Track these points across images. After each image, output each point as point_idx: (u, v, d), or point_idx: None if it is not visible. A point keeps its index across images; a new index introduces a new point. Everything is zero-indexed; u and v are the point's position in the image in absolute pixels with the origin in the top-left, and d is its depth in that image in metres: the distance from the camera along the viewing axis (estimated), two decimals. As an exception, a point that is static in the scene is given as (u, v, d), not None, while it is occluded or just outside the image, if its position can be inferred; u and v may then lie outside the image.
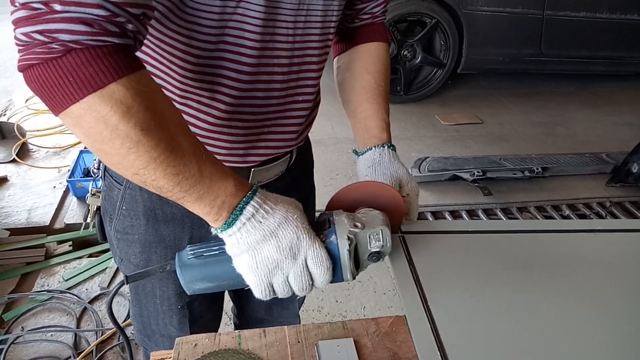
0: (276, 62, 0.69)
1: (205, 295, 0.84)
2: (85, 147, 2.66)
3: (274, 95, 0.72)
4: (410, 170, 0.86)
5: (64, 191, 2.32)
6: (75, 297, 1.78)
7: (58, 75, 0.46)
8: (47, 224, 2.11)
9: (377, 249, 0.58)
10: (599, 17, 3.35)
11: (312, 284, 0.56)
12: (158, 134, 0.49)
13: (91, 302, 1.78)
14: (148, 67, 0.67)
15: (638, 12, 3.39)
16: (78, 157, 2.40)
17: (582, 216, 2.40)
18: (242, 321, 1.17)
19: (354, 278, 0.58)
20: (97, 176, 1.79)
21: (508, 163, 2.64)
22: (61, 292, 1.80)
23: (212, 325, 0.97)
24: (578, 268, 0.68)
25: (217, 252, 0.55)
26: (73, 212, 2.20)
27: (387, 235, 0.58)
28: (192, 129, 0.65)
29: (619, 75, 3.91)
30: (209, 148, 0.60)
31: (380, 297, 1.86)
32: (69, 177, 2.28)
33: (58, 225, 2.13)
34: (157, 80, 0.67)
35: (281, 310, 1.06)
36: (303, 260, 0.53)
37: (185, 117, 0.69)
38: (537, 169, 2.62)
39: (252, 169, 0.77)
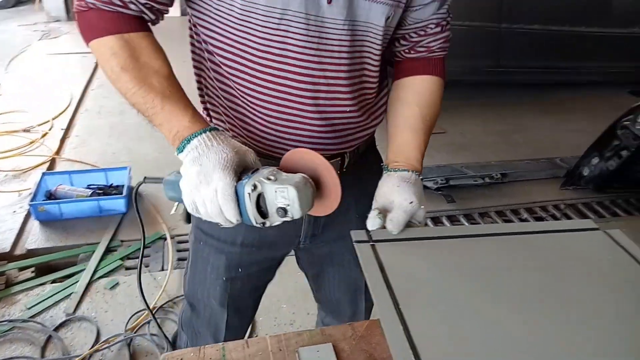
0: (322, 64, 0.80)
1: (248, 281, 1.00)
2: (47, 169, 2.60)
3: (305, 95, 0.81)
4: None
5: (25, 215, 2.26)
6: (39, 325, 1.72)
7: (83, 22, 0.74)
8: (8, 250, 2.05)
9: (283, 205, 0.66)
10: (552, 29, 3.54)
11: (224, 215, 0.66)
12: (134, 74, 0.72)
13: (56, 329, 1.72)
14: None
15: (585, 25, 3.60)
16: (40, 179, 2.35)
17: (539, 219, 2.51)
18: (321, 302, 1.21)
19: (263, 225, 0.69)
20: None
21: (469, 171, 2.74)
22: (23, 320, 1.74)
23: (247, 313, 1.08)
24: (537, 268, 0.73)
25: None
26: (35, 237, 2.14)
27: (294, 195, 0.65)
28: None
29: (570, 84, 4.11)
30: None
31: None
32: (31, 200, 2.23)
33: (19, 251, 2.08)
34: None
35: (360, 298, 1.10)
36: (214, 189, 0.65)
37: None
38: (497, 175, 2.74)
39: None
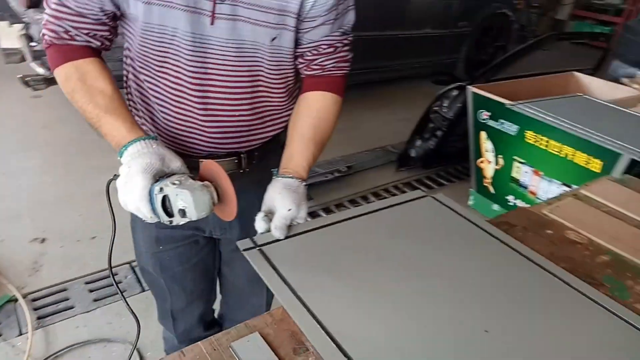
0: (209, 80, 0.95)
1: (174, 254, 1.14)
2: None
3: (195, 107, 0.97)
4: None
5: None
6: None
7: (48, 56, 0.92)
8: None
9: (182, 207, 0.78)
10: (367, 35, 4.02)
11: (141, 211, 0.79)
12: (82, 94, 0.88)
13: None
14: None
15: (390, 29, 4.18)
16: None
17: (384, 199, 2.89)
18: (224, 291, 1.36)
19: (170, 223, 0.81)
20: None
21: (320, 169, 3.02)
22: None
23: (184, 281, 1.20)
24: (395, 235, 0.95)
25: None
26: None
27: (189, 199, 0.78)
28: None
29: (389, 81, 4.71)
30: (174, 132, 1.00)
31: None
32: None
33: None
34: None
35: (254, 290, 1.26)
36: (132, 189, 0.78)
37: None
38: (343, 168, 3.07)
39: (199, 160, 0.97)
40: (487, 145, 2.58)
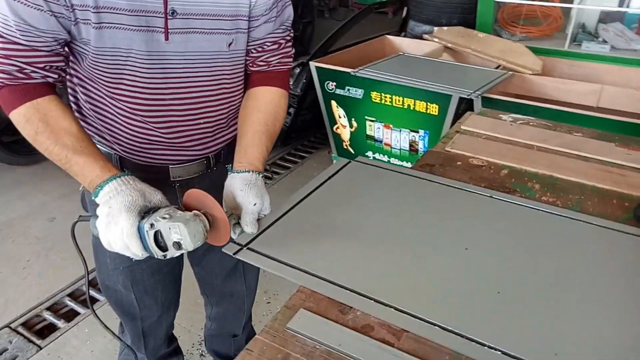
0: (171, 94, 0.96)
1: (147, 265, 1.13)
2: None
3: (174, 118, 1.00)
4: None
5: None
6: None
7: (1, 99, 0.86)
8: None
9: (177, 240, 0.79)
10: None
11: (130, 250, 0.79)
12: (47, 135, 0.84)
13: None
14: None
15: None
16: None
17: (267, 177, 2.97)
18: (207, 291, 1.42)
19: (164, 257, 0.81)
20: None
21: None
22: None
23: (155, 293, 1.20)
24: (350, 202, 1.07)
25: None
26: None
27: (183, 231, 0.78)
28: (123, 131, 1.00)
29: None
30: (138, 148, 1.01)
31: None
32: None
33: None
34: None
35: (233, 280, 1.33)
36: (120, 229, 0.77)
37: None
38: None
39: (169, 166, 1.05)
40: (339, 112, 2.82)
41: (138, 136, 1.01)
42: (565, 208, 1.06)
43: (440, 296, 0.80)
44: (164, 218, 0.79)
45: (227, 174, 1.10)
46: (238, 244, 0.91)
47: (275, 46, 1.05)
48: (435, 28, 3.21)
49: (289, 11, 1.06)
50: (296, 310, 0.78)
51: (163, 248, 0.81)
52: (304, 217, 1.01)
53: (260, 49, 1.04)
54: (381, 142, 2.75)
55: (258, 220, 0.93)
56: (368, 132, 2.77)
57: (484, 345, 0.71)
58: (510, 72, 2.57)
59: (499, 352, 0.70)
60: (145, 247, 0.80)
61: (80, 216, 0.90)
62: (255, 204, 0.91)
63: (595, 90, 2.45)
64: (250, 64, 1.06)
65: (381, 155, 2.78)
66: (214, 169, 1.12)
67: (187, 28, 0.90)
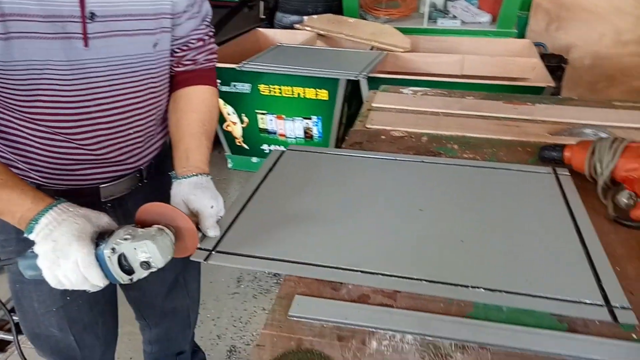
0: (96, 106, 0.87)
1: (85, 299, 1.01)
2: None
3: (101, 132, 0.90)
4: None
5: None
6: None
7: None
8: None
9: (145, 259, 0.73)
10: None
11: (88, 280, 0.72)
12: None
13: None
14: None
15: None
16: None
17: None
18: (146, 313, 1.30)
19: (131, 281, 0.75)
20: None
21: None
22: None
23: (95, 328, 1.08)
24: (304, 188, 1.08)
25: None
26: None
27: (152, 248, 0.72)
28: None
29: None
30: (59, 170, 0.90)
31: None
32: None
33: None
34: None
35: (175, 294, 1.25)
36: (74, 261, 0.70)
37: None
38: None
39: (100, 186, 0.96)
40: (227, 109, 2.78)
41: (62, 158, 0.91)
42: (485, 160, 1.20)
43: (416, 254, 0.86)
44: (126, 239, 0.72)
45: (161, 185, 1.06)
46: (205, 250, 0.88)
47: (200, 43, 1.02)
48: (305, 17, 3.31)
49: (207, 6, 1.03)
50: (291, 298, 0.78)
51: (128, 271, 0.75)
52: (261, 210, 1.00)
53: (185, 47, 1.00)
54: (275, 133, 2.77)
55: (217, 222, 0.90)
56: (261, 126, 2.77)
57: (466, 286, 0.78)
58: (385, 52, 2.76)
59: (482, 289, 0.78)
60: (107, 274, 0.73)
61: (10, 259, 0.81)
62: (212, 207, 0.88)
63: (458, 60, 2.74)
64: (176, 64, 1.01)
65: (277, 146, 2.81)
66: (145, 182, 1.05)
67: (109, 31, 0.83)
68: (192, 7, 0.96)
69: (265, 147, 2.85)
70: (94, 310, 1.06)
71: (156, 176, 1.07)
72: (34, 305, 0.99)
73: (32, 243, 0.93)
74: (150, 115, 0.99)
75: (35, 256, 0.73)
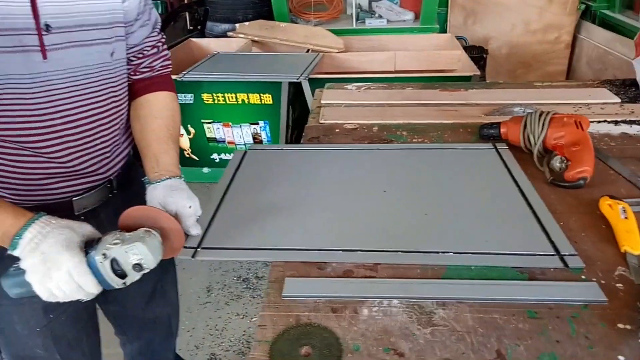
0: (61, 118, 0.87)
1: (68, 314, 1.00)
2: None
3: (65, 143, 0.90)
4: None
5: None
6: None
7: None
8: None
9: (137, 262, 0.75)
10: None
11: (83, 289, 0.73)
12: None
13: None
14: None
15: None
16: None
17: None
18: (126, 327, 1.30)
19: (125, 285, 0.77)
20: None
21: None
22: None
23: (81, 344, 1.06)
24: (275, 176, 1.14)
25: None
26: None
27: (143, 250, 0.74)
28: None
29: None
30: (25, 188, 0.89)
31: None
32: None
33: None
34: None
35: (155, 303, 1.24)
36: (66, 271, 0.71)
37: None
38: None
39: (72, 199, 0.95)
40: (170, 121, 2.75)
41: (33, 173, 0.90)
42: (432, 142, 1.31)
43: (389, 230, 0.94)
44: (115, 243, 0.75)
45: (131, 194, 1.08)
46: (190, 248, 0.91)
47: (154, 50, 1.05)
48: (237, 25, 3.34)
49: (155, 14, 1.05)
50: (282, 281, 0.83)
51: (121, 275, 0.77)
52: (236, 206, 1.04)
53: (140, 55, 1.03)
54: (224, 141, 2.79)
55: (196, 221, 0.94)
56: (208, 135, 2.78)
57: (437, 252, 0.88)
58: (321, 53, 2.85)
59: (451, 253, 0.87)
60: (100, 281, 0.75)
61: None
62: (190, 206, 0.91)
63: (390, 57, 2.89)
64: (133, 73, 1.03)
65: (227, 154, 2.82)
66: (115, 193, 1.06)
67: (66, 43, 0.84)
68: (143, 14, 0.99)
69: (215, 156, 2.86)
70: (77, 326, 1.06)
71: (126, 186, 1.08)
72: (16, 327, 0.98)
73: (8, 261, 0.93)
74: (114, 125, 1.00)
75: (22, 272, 0.73)
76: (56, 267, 0.71)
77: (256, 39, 3.18)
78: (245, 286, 2.20)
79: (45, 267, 0.71)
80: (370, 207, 1.02)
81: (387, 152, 1.26)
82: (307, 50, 2.97)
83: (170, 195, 0.91)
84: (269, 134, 2.70)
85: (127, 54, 1.00)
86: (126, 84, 1.02)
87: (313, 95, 1.70)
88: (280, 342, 0.71)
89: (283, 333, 0.73)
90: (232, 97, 2.61)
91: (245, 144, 2.76)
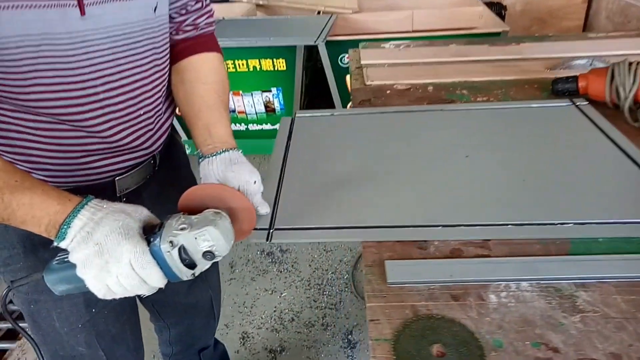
0: (103, 85, 0.74)
1: (111, 308, 0.90)
2: None
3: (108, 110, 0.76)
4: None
5: None
6: None
7: None
8: None
9: (208, 248, 0.63)
10: None
11: (146, 283, 0.62)
12: None
13: None
14: None
15: None
16: None
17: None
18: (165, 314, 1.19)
19: (193, 276, 0.66)
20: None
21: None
22: None
23: (125, 338, 0.96)
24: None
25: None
26: None
27: (215, 234, 0.63)
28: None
29: None
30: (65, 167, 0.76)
31: None
32: None
33: None
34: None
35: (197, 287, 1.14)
36: (127, 263, 0.60)
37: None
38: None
39: (115, 179, 0.83)
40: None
41: (71, 150, 0.76)
42: (499, 101, 1.17)
43: (489, 200, 0.81)
44: (182, 229, 0.62)
45: (172, 171, 0.96)
46: (261, 230, 0.78)
47: (199, 5, 0.90)
48: (239, -12, 3.12)
49: None
50: (380, 265, 0.71)
51: (189, 265, 0.64)
52: (300, 180, 0.91)
53: (184, 12, 0.89)
54: (234, 111, 2.62)
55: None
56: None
57: (554, 224, 0.75)
58: (334, 15, 2.67)
59: (571, 224, 0.75)
60: (166, 272, 0.63)
61: (12, 282, 0.68)
62: (255, 182, 0.78)
63: (407, 16, 2.71)
64: (175, 32, 0.89)
65: (238, 124, 2.66)
66: (156, 170, 0.93)
67: None
68: None
69: (222, 128, 2.69)
70: (120, 319, 0.94)
71: (166, 162, 0.94)
72: (56, 325, 0.86)
73: (43, 255, 0.79)
74: (157, 92, 0.86)
75: (69, 266, 0.62)
76: (115, 260, 0.60)
77: (261, 2, 2.97)
78: (270, 260, 2.09)
79: (101, 260, 0.60)
80: (457, 175, 0.89)
81: (452, 113, 1.12)
82: (318, 13, 2.78)
83: (231, 169, 0.78)
84: (282, 102, 2.54)
85: (170, 9, 0.86)
86: (168, 45, 0.87)
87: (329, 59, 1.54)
88: (404, 341, 0.59)
89: (404, 329, 0.61)
90: (242, 64, 2.44)
91: (256, 114, 2.60)
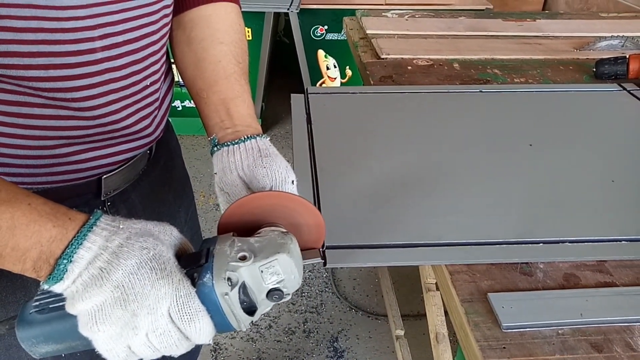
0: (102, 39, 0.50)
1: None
2: None
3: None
4: None
5: None
6: None
7: None
8: None
9: (276, 285, 0.43)
10: None
11: (189, 340, 0.42)
12: None
13: None
14: None
15: None
16: None
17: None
18: None
19: (251, 324, 0.46)
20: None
21: None
22: None
23: None
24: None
25: (63, 303, 0.41)
26: None
27: (288, 264, 0.43)
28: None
29: None
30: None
31: None
32: None
33: None
34: None
35: None
36: (165, 313, 0.40)
37: None
38: None
39: (102, 177, 0.59)
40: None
41: (43, 137, 0.52)
42: (538, 83, 1.03)
43: (584, 207, 0.66)
44: (243, 259, 0.42)
45: (166, 163, 0.74)
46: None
47: None
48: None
49: None
50: (481, 299, 0.53)
51: (249, 311, 0.43)
52: (337, 180, 0.71)
53: None
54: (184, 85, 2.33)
55: None
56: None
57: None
58: (305, -19, 2.42)
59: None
60: (217, 322, 0.42)
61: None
62: (293, 182, 0.56)
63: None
64: None
65: (188, 101, 2.37)
66: (149, 165, 0.69)
67: None
68: None
69: (177, 103, 2.39)
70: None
71: (160, 152, 0.71)
72: None
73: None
74: (163, 55, 0.62)
75: (61, 317, 0.40)
76: (148, 311, 0.39)
77: (218, -38, 2.66)
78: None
79: (126, 312, 0.39)
80: (533, 173, 0.72)
81: (493, 95, 0.96)
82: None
83: (261, 164, 0.54)
84: (248, 77, 2.28)
85: None
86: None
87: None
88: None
89: (551, 401, 0.43)
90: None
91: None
